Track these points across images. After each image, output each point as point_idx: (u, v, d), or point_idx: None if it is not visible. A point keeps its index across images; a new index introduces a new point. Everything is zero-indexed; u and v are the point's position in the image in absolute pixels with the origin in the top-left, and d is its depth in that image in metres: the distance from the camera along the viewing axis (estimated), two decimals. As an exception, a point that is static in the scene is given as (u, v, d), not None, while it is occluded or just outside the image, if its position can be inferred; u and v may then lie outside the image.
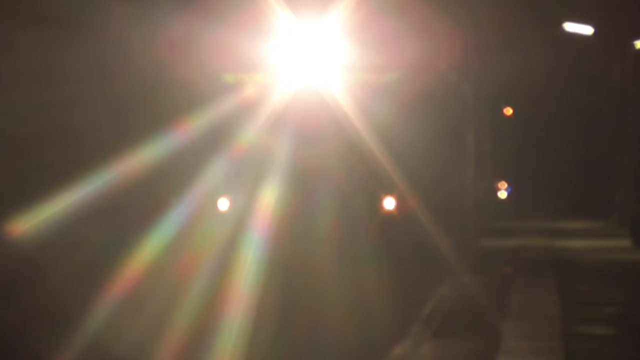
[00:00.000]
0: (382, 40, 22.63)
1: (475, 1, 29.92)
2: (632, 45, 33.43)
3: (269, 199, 22.28)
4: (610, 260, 34.16)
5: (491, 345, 18.16)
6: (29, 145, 29.73)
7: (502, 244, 38.06)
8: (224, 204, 23.51)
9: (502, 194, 51.33)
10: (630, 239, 37.07)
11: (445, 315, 21.19)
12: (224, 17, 22.30)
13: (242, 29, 22.26)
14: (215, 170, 22.49)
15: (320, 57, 22.51)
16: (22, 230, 26.96)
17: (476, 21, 29.97)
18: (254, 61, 23.14)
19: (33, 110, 29.39)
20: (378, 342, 18.83)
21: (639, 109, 33.11)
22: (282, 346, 19.24)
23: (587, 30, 38.26)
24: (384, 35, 22.61)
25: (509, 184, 54.78)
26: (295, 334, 19.74)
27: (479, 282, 25.89)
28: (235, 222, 22.43)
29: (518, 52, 39.79)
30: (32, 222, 27.87)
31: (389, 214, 23.28)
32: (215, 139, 22.85)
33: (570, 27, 39.17)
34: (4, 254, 25.01)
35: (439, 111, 25.30)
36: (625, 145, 37.08)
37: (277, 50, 22.64)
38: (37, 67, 30.51)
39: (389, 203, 23.37)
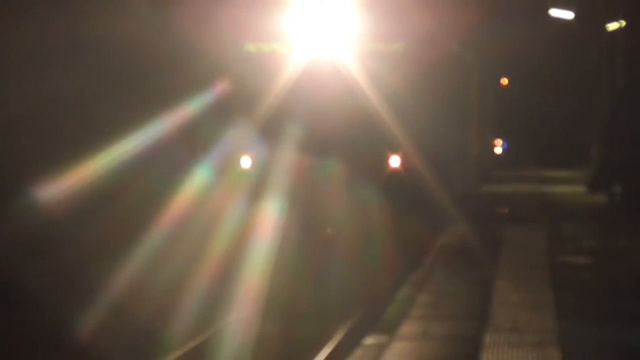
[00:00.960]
0: (391, 12, 21.59)
1: None
2: (605, 28, 32.96)
3: (287, 157, 21.41)
4: (584, 202, 34.34)
5: (491, 273, 18.20)
6: (69, 108, 28.26)
7: (499, 190, 38.56)
8: (246, 161, 22.39)
9: (498, 150, 50.90)
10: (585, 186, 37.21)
11: (452, 249, 21.21)
12: None
13: (261, 3, 21.43)
14: (239, 131, 21.75)
15: (333, 28, 21.44)
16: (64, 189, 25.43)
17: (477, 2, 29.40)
18: (272, 32, 22.05)
19: (70, 79, 27.73)
20: (396, 270, 18.96)
21: (612, 79, 32.55)
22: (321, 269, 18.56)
23: (569, 15, 37.89)
24: (392, 7, 21.66)
25: (504, 141, 54.32)
26: (325, 263, 19.56)
27: (480, 222, 25.75)
28: (256, 177, 21.77)
29: (513, 29, 39.40)
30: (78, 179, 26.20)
31: (395, 171, 21.99)
32: (239, 102, 22.04)
33: (554, 12, 38.82)
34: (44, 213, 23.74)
35: (444, 78, 24.54)
36: (600, 106, 36.47)
37: (293, 21, 21.61)
38: (65, 41, 28.91)
39: (395, 161, 21.95)
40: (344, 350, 13.76)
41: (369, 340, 13.09)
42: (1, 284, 18.92)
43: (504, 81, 51.37)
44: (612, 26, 32.98)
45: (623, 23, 31.23)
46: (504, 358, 11.49)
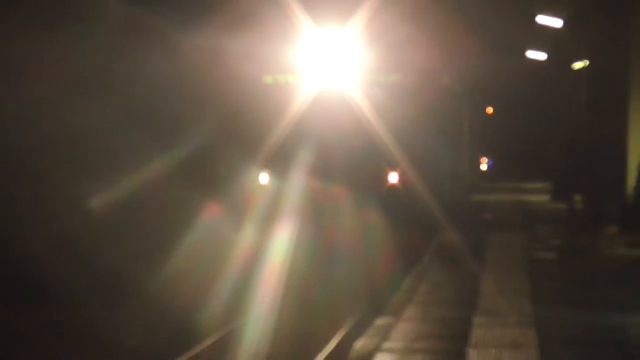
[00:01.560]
0: (390, 49, 21.36)
1: (466, 26, 28.93)
2: (572, 67, 33.19)
3: (301, 173, 21.09)
4: (553, 209, 34.03)
5: (480, 267, 18.39)
6: (106, 134, 26.73)
7: (486, 199, 37.86)
8: (264, 178, 21.93)
9: (484, 166, 51.21)
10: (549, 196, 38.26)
11: (445, 249, 21.12)
12: (266, 33, 21.14)
13: (279, 41, 21.10)
14: (258, 151, 21.37)
15: (340, 62, 21.07)
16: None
17: (466, 44, 29.28)
18: (287, 66, 21.59)
19: (113, 108, 26.50)
20: (400, 266, 18.46)
21: (577, 107, 32.74)
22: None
23: (543, 56, 38.50)
24: (392, 44, 21.38)
25: (489, 159, 54.76)
26: (338, 261, 19.42)
27: (469, 225, 25.59)
28: (273, 190, 21.46)
29: (497, 66, 40.10)
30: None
31: (393, 186, 21.63)
32: (259, 126, 21.38)
33: (531, 54, 39.47)
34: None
35: (437, 106, 24.19)
36: (566, 129, 36.73)
37: (305, 56, 21.24)
38: (106, 75, 27.50)
39: (393, 177, 21.56)
40: (359, 329, 13.52)
41: (380, 322, 13.13)
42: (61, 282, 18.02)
43: (490, 110, 52.18)
44: (578, 65, 32.97)
45: (587, 63, 31.55)
46: (489, 335, 11.65)
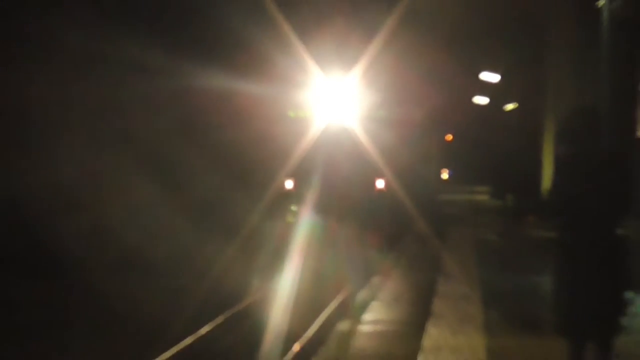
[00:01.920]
0: (377, 91, 20.96)
1: (432, 79, 29.14)
2: (504, 108, 34.64)
3: (315, 181, 20.38)
4: (491, 204, 34.22)
5: (441, 245, 18.79)
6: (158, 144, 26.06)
7: (448, 198, 37.84)
8: (289, 183, 20.99)
9: (445, 176, 51.71)
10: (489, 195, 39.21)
11: (419, 233, 20.98)
12: (289, 80, 20.69)
13: (299, 86, 20.66)
14: (285, 164, 20.59)
15: (341, 100, 20.61)
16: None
17: (431, 91, 29.30)
18: (304, 104, 21.03)
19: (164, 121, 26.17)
20: (387, 245, 18.74)
21: (510, 135, 33.28)
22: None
23: (485, 100, 39.61)
24: (378, 88, 21.01)
25: (450, 170, 55.26)
26: (340, 242, 18.81)
27: (436, 216, 25.77)
28: (296, 194, 20.76)
29: (454, 104, 40.93)
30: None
31: (380, 190, 20.74)
32: (286, 147, 20.66)
33: (477, 99, 40.75)
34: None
35: (413, 131, 23.91)
36: (501, 148, 37.85)
37: (317, 96, 20.71)
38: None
39: (380, 183, 20.62)
40: (359, 286, 13.73)
41: (374, 280, 13.68)
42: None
43: (449, 137, 53.04)
44: (509, 106, 34.43)
45: (516, 104, 32.70)
46: (448, 290, 12.45)
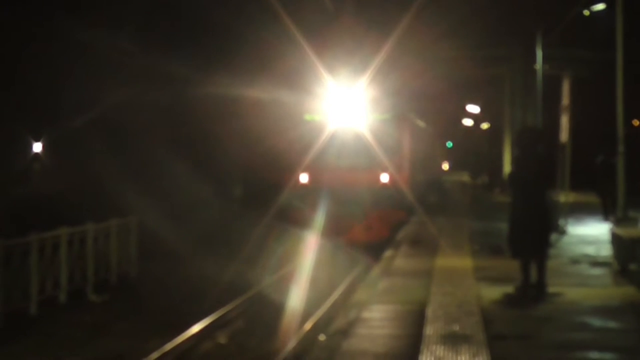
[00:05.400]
0: (383, 97, 22.11)
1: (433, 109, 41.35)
2: (482, 127, 59.38)
3: (328, 175, 21.35)
4: (472, 183, 54.64)
5: (442, 207, 28.69)
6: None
7: (447, 179, 55.34)
8: (304, 177, 21.76)
9: (446, 167, 74.75)
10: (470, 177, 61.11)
11: (427, 205, 27.62)
12: (306, 88, 21.66)
13: (315, 93, 21.56)
14: (302, 160, 21.49)
15: (351, 105, 21.51)
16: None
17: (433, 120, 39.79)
18: (319, 108, 21.76)
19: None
20: (394, 228, 21.49)
21: (484, 143, 56.54)
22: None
23: (470, 122, 64.74)
24: (384, 95, 22.21)
25: (449, 162, 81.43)
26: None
27: (439, 191, 37.37)
28: (311, 186, 21.61)
29: (450, 127, 65.46)
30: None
31: (384, 183, 21.48)
32: (303, 145, 21.63)
33: (465, 121, 67.10)
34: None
35: (412, 132, 24.22)
36: (478, 149, 63.04)
37: (330, 102, 21.58)
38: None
39: (385, 177, 21.39)
40: (371, 262, 16.18)
41: (387, 254, 16.28)
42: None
43: (449, 144, 75.63)
44: (485, 126, 55.49)
45: (490, 125, 52.75)
46: (447, 227, 19.43)
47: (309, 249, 18.58)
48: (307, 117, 21.88)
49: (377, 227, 20.67)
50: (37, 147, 34.37)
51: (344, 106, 21.32)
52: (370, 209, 20.90)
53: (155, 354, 10.93)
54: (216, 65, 28.43)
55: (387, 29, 25.07)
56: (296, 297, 14.48)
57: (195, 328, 12.45)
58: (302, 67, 21.98)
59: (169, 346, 11.38)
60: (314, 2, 26.96)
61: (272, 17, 25.18)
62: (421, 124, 27.93)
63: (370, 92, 21.23)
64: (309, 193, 21.12)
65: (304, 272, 16.47)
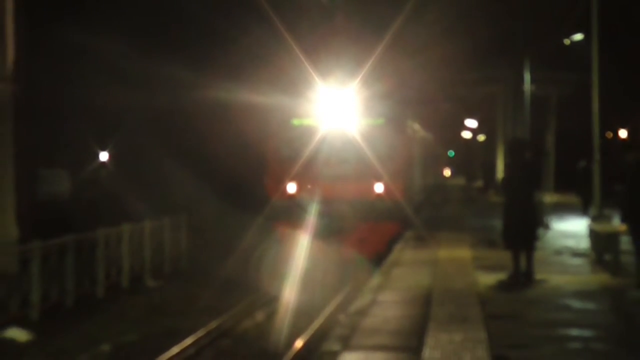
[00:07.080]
0: (375, 102, 18.15)
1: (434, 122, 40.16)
2: (479, 139, 61.90)
3: (318, 183, 17.65)
4: (469, 186, 49.84)
5: (441, 206, 28.90)
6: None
7: (448, 183, 54.64)
8: (292, 187, 17.84)
9: (448, 173, 70.02)
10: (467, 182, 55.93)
11: (428, 202, 28.81)
12: (296, 92, 17.74)
13: (305, 97, 17.88)
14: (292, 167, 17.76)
15: (342, 109, 17.81)
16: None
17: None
18: (308, 113, 18.14)
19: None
20: (395, 235, 18.07)
21: (479, 154, 58.28)
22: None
23: (469, 134, 64.21)
24: (376, 96, 18.33)
25: (451, 169, 76.71)
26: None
27: (439, 190, 38.48)
28: (299, 197, 17.63)
29: (450, 137, 62.03)
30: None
31: (379, 194, 17.69)
32: (290, 152, 17.53)
33: (464, 134, 65.54)
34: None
35: (409, 138, 20.58)
36: (475, 158, 64.79)
37: (320, 104, 17.86)
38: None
39: (379, 187, 17.60)
40: (371, 269, 14.32)
41: (397, 246, 15.53)
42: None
43: (452, 153, 75.16)
44: (481, 137, 56.96)
45: (485, 137, 54.14)
46: (449, 223, 19.67)
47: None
48: (295, 121, 18.10)
49: (371, 242, 17.01)
50: (104, 155, 34.54)
51: (336, 110, 17.84)
52: (364, 222, 17.41)
53: (202, 331, 11.12)
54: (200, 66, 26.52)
55: (382, 32, 20.96)
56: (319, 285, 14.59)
57: (236, 310, 12.58)
58: (291, 67, 18.40)
59: (214, 324, 11.59)
60: (308, 2, 23.55)
61: (259, 18, 22.22)
62: (420, 130, 25.18)
63: (363, 95, 17.89)
64: (297, 205, 17.51)
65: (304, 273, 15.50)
